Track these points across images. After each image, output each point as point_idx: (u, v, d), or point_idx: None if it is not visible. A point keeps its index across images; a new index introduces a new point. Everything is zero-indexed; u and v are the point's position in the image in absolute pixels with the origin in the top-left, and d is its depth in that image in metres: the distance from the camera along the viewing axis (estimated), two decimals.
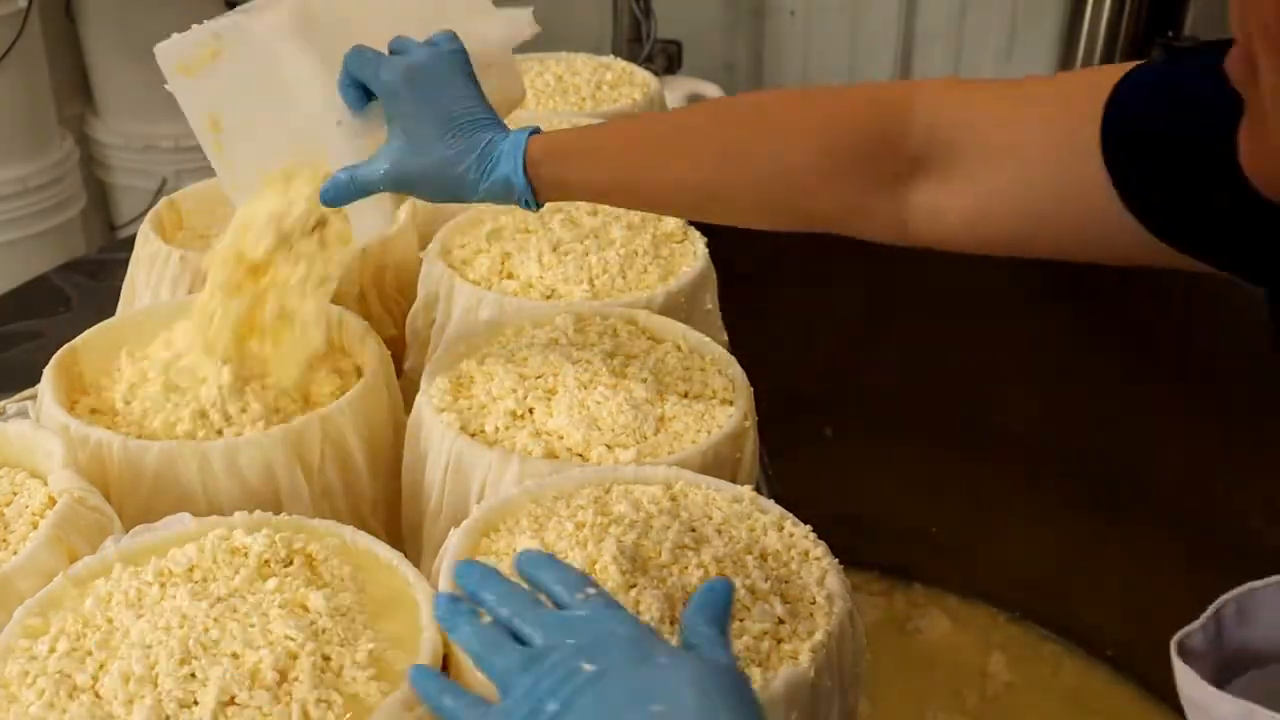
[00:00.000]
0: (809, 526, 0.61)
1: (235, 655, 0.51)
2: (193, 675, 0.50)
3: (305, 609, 0.54)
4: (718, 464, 0.68)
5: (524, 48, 1.27)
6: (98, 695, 0.50)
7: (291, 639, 0.52)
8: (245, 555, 0.57)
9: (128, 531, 0.61)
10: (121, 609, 0.54)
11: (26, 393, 0.91)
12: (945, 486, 1.96)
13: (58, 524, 0.60)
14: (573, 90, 1.15)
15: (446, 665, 0.55)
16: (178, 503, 0.66)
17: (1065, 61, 2.01)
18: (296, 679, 0.51)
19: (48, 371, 0.73)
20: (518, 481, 0.64)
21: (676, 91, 1.78)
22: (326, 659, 0.52)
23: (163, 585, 0.55)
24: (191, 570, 0.56)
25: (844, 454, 2.01)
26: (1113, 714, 1.82)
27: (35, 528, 0.61)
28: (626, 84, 1.18)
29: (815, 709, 0.54)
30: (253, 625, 0.52)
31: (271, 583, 0.55)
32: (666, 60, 2.01)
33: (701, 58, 2.18)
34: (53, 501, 0.63)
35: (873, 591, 2.02)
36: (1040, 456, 1.88)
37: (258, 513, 0.61)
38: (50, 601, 0.56)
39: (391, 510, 0.75)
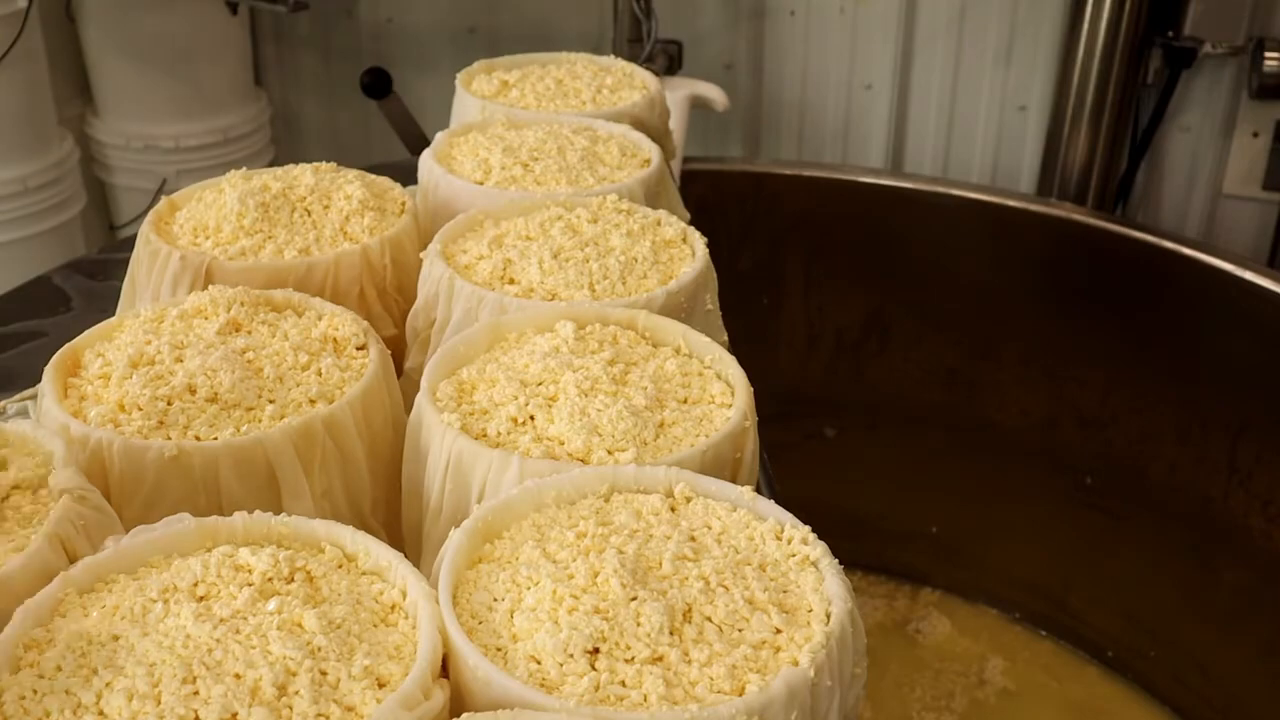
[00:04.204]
0: (809, 528, 0.61)
1: (238, 676, 0.51)
2: (195, 693, 0.51)
3: (302, 628, 0.54)
4: (718, 464, 0.68)
5: (525, 49, 1.28)
6: (102, 713, 0.51)
7: (290, 658, 0.52)
8: (250, 572, 0.58)
9: (128, 532, 0.61)
10: (126, 625, 0.54)
11: (26, 393, 0.91)
12: (945, 486, 1.96)
13: (58, 524, 0.60)
14: (573, 94, 1.16)
15: (446, 666, 0.55)
16: (179, 503, 0.66)
17: (1065, 61, 2.01)
18: (297, 693, 0.51)
19: (48, 371, 0.73)
20: (518, 482, 0.64)
21: (677, 91, 1.78)
22: (324, 673, 0.52)
23: (166, 603, 0.56)
24: (195, 586, 0.57)
25: (844, 454, 2.02)
26: (1112, 716, 1.83)
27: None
28: (626, 87, 1.18)
29: (816, 709, 0.54)
30: (253, 647, 0.53)
31: (273, 603, 0.55)
32: (667, 60, 2.02)
33: (701, 58, 2.18)
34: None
35: (874, 594, 2.02)
36: (1041, 456, 1.88)
37: (258, 513, 0.61)
38: (53, 608, 0.56)
39: (392, 510, 0.75)
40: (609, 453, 0.67)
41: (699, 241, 0.87)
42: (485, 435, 0.69)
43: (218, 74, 2.26)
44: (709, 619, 0.56)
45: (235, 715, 0.50)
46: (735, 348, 0.79)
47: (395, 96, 1.75)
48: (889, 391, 1.97)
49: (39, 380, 0.73)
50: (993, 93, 2.15)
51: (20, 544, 0.60)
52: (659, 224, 0.89)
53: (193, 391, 0.71)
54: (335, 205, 0.92)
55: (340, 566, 0.60)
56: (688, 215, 1.00)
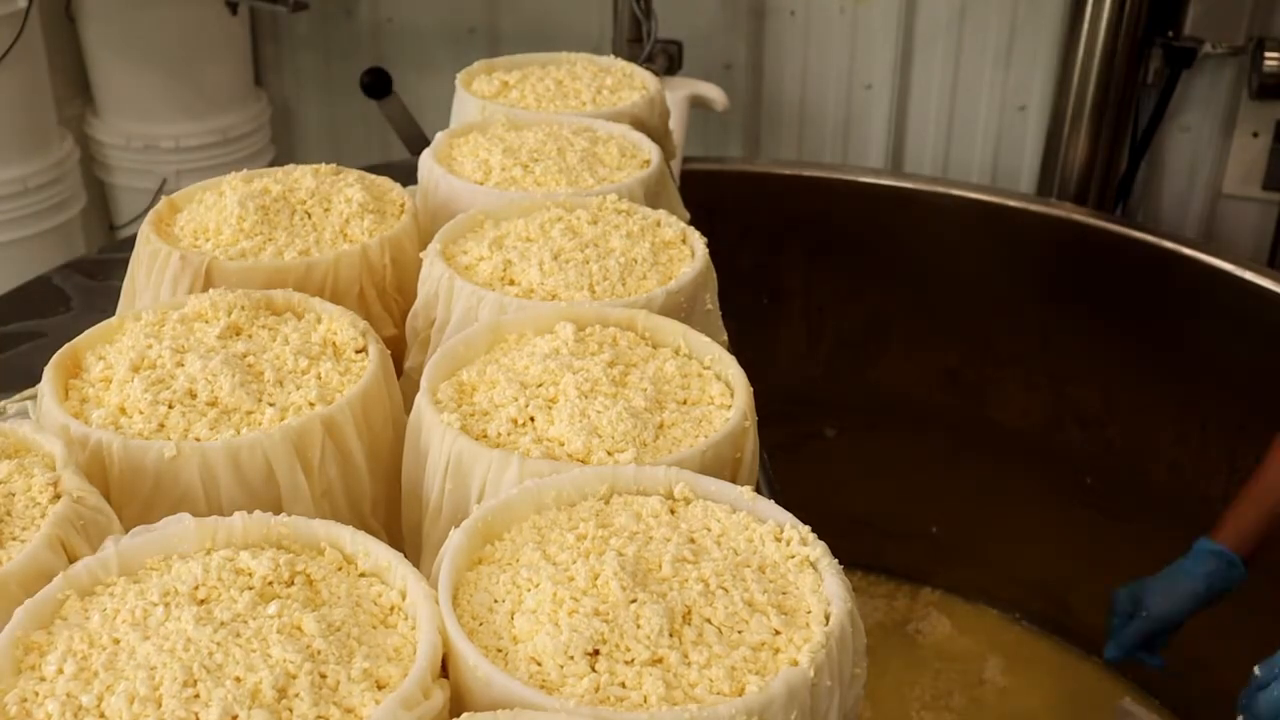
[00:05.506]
0: (808, 528, 0.61)
1: (238, 679, 0.52)
2: (196, 696, 0.51)
3: (302, 631, 0.55)
4: (718, 464, 0.68)
5: (526, 49, 1.28)
6: (103, 715, 0.51)
7: (290, 661, 0.53)
8: (250, 576, 0.58)
9: (128, 532, 0.61)
10: (127, 629, 0.54)
11: (26, 393, 0.91)
12: (945, 486, 1.96)
13: (57, 524, 0.60)
14: (573, 94, 1.16)
15: (446, 666, 0.55)
16: (178, 503, 0.66)
17: (1065, 61, 2.01)
18: (297, 695, 0.51)
19: (48, 371, 0.73)
20: (518, 482, 0.64)
21: (677, 92, 1.78)
22: (323, 676, 0.53)
23: (167, 606, 0.56)
24: (196, 590, 0.57)
25: (844, 454, 2.02)
26: (1112, 715, 1.83)
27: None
28: (626, 87, 1.18)
29: (815, 709, 0.54)
30: (254, 650, 0.53)
31: (273, 606, 0.56)
32: (667, 60, 2.01)
33: (701, 58, 2.18)
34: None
35: (874, 594, 2.02)
36: (1041, 456, 1.88)
37: (257, 513, 0.61)
38: (53, 609, 0.56)
39: (391, 510, 0.75)
40: (609, 454, 0.67)
41: (699, 241, 0.87)
42: (485, 436, 0.69)
43: (218, 74, 2.26)
44: (708, 621, 0.56)
45: (235, 718, 0.50)
46: (735, 348, 0.79)
47: (395, 96, 1.75)
48: (889, 391, 1.98)
49: (39, 380, 0.73)
50: (993, 93, 2.15)
51: (20, 544, 0.60)
52: (659, 224, 0.89)
53: (193, 395, 0.71)
54: (335, 208, 0.92)
55: (340, 569, 0.60)
56: (688, 215, 1.00)
